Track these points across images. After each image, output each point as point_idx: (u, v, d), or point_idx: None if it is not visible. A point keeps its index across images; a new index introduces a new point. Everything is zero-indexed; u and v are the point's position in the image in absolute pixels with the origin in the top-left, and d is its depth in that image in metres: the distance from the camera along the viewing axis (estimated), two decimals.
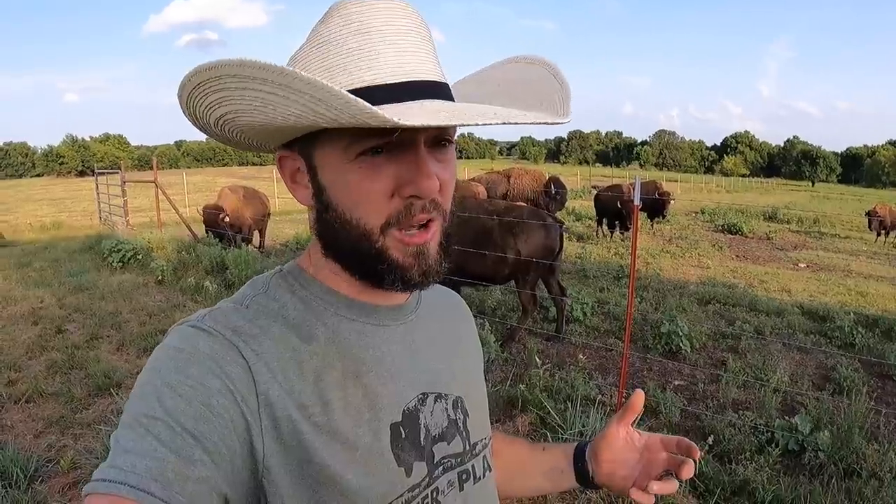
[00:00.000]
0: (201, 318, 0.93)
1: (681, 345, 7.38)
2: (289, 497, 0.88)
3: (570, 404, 5.22)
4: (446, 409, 1.09)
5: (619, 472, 1.25)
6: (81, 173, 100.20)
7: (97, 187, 23.39)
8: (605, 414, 5.03)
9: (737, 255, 16.88)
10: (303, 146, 0.96)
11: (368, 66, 0.87)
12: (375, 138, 0.89)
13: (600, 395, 5.81)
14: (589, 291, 10.24)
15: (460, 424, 1.11)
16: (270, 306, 0.98)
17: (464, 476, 1.10)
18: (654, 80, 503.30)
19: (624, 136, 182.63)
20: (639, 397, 1.21)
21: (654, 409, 5.55)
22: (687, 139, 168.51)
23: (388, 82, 0.87)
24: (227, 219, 13.77)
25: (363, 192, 0.92)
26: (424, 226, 0.96)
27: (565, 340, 7.84)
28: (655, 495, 1.15)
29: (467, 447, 1.12)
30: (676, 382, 6.49)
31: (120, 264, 12.95)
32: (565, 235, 8.38)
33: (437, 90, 0.91)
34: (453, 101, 0.95)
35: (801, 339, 8.33)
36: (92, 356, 7.24)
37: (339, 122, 0.77)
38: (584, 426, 4.78)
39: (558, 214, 21.43)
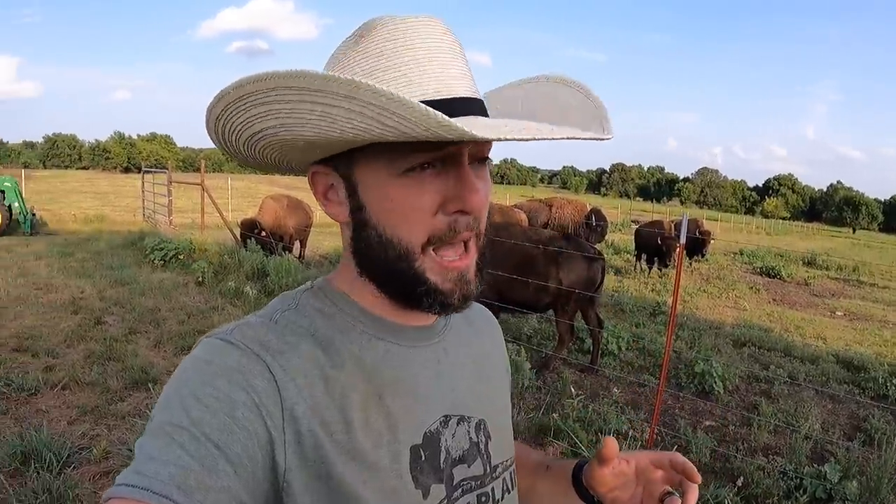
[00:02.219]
0: (230, 331, 0.95)
1: (714, 385, 7.36)
2: None
3: (601, 437, 5.23)
4: (468, 431, 1.09)
5: (621, 498, 1.17)
6: (126, 169, 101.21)
7: (143, 184, 23.73)
8: (635, 449, 4.98)
9: (774, 299, 16.68)
10: (340, 162, 0.97)
11: (417, 81, 0.88)
12: (425, 153, 0.90)
13: (632, 431, 5.83)
14: (625, 326, 10.30)
15: (482, 447, 1.11)
16: (299, 322, 0.99)
17: (483, 499, 1.10)
18: (699, 117, 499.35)
19: (666, 171, 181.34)
20: (610, 447, 1.12)
21: (684, 448, 5.55)
22: (729, 178, 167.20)
23: (434, 98, 0.88)
24: (262, 233, 14.03)
25: (409, 209, 0.93)
26: (465, 249, 0.98)
27: (599, 373, 7.86)
28: None
29: (488, 469, 1.12)
30: (707, 423, 6.48)
31: (161, 262, 13.22)
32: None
33: (477, 106, 0.93)
34: (488, 117, 0.96)
35: (835, 387, 8.23)
36: (130, 350, 7.40)
37: (408, 135, 0.76)
38: None
39: (597, 247, 21.52)
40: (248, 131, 0.91)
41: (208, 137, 0.99)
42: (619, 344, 8.80)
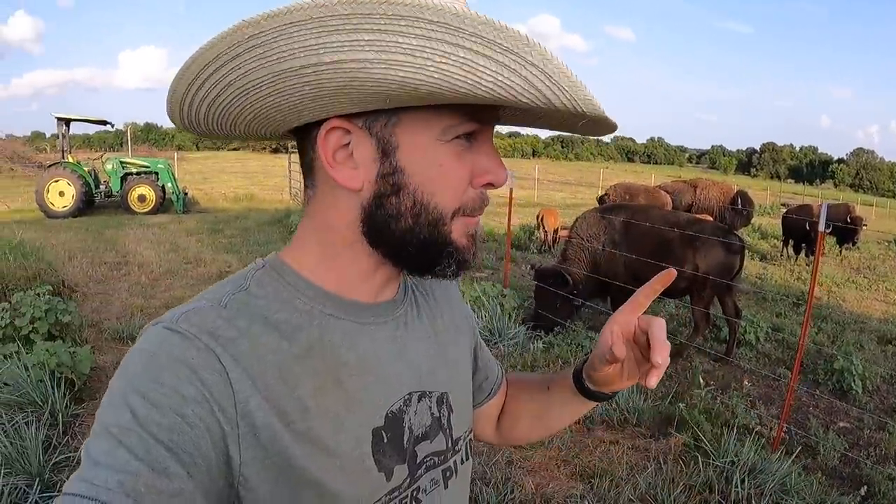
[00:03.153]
0: (176, 318, 0.88)
1: (852, 384, 6.94)
2: (265, 503, 0.87)
3: (726, 431, 5.14)
4: (430, 406, 1.09)
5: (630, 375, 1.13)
6: (275, 150, 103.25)
7: (290, 164, 24.56)
8: (759, 446, 4.90)
9: None
10: (377, 120, 0.90)
11: None
12: (476, 124, 0.92)
13: (759, 426, 5.66)
14: (765, 315, 9.93)
15: (444, 422, 1.12)
16: (251, 305, 0.93)
17: (447, 474, 1.12)
18: (854, 92, 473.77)
19: (819, 151, 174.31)
20: (619, 350, 1.03)
21: (812, 448, 5.36)
22: (886, 160, 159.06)
23: None
24: None
25: (453, 176, 0.93)
26: None
27: (733, 364, 7.63)
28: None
29: (450, 444, 1.13)
30: (841, 424, 6.18)
31: None
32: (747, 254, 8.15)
33: None
34: None
35: None
36: None
37: (549, 101, 0.76)
38: (737, 456, 4.68)
39: (743, 231, 20.97)
40: (303, 61, 0.79)
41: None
42: (756, 334, 8.49)
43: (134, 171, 20.40)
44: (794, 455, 4.86)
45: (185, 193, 21.33)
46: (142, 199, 19.75)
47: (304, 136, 0.98)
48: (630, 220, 8.10)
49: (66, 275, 9.78)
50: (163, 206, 20.16)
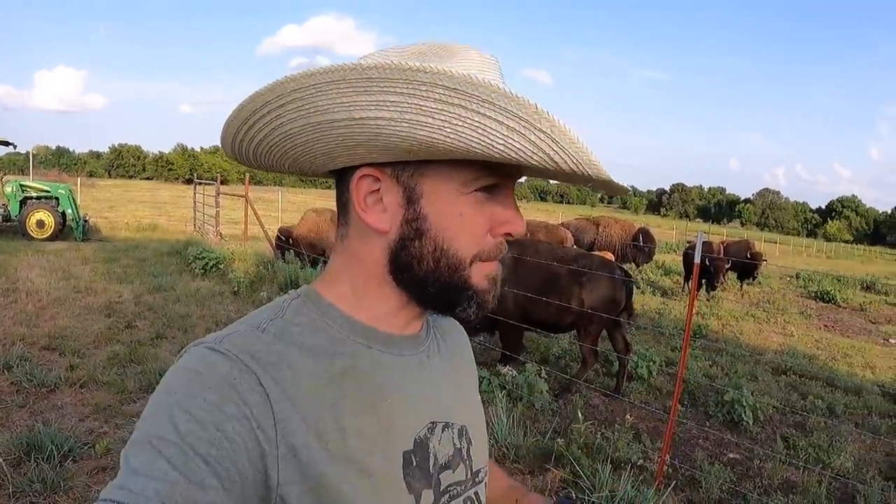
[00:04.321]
0: (219, 340, 0.92)
1: (743, 415, 6.95)
2: None
3: (602, 465, 5.00)
4: (452, 437, 1.11)
5: None
6: (188, 181, 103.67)
7: (195, 195, 24.49)
8: (639, 480, 4.79)
9: (825, 325, 16.15)
10: (405, 170, 0.96)
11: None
12: (498, 177, 0.97)
13: (641, 461, 5.52)
14: (661, 349, 9.99)
15: (465, 453, 1.13)
16: (288, 331, 0.97)
17: (468, 503, 1.12)
18: (762, 136, 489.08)
19: (727, 192, 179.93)
20: None
21: (697, 481, 5.30)
22: (791, 200, 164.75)
23: None
24: (290, 242, 14.51)
25: (472, 224, 0.97)
26: None
27: (622, 399, 7.55)
28: None
29: (470, 475, 1.14)
30: (731, 455, 6.17)
31: (202, 271, 13.56)
32: (635, 290, 8.16)
33: None
34: None
35: (877, 421, 7.78)
36: (152, 354, 7.62)
37: (556, 165, 0.82)
38: (612, 491, 4.55)
39: (646, 267, 21.34)
40: (336, 115, 0.87)
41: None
42: (649, 368, 8.45)
43: (34, 195, 19.69)
44: (672, 487, 4.80)
45: (86, 221, 20.69)
46: (40, 224, 19.03)
47: (340, 178, 1.05)
48: (518, 256, 7.97)
49: None
50: (62, 232, 19.49)
